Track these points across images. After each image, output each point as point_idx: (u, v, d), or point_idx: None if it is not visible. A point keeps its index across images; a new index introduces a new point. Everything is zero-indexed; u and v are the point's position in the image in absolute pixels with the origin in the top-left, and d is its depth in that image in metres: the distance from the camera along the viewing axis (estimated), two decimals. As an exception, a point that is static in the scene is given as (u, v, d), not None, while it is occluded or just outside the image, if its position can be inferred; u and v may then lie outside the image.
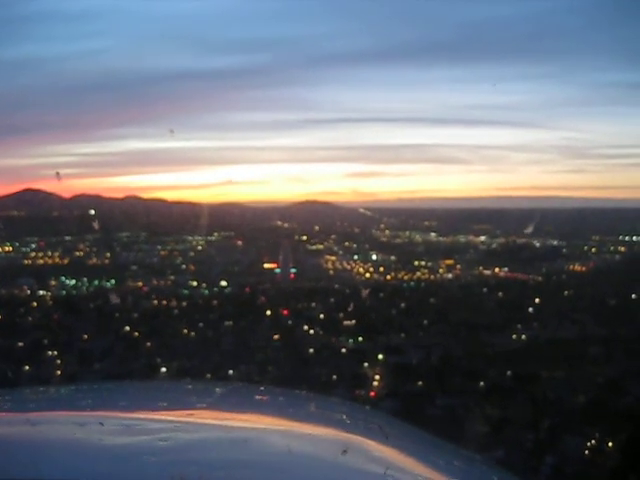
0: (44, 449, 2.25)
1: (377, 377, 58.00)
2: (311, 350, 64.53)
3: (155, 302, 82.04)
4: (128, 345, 66.10)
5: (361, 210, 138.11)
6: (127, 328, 71.87)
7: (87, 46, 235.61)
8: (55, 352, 64.20)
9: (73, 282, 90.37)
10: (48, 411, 2.99)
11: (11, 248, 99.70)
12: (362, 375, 58.24)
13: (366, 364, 61.19)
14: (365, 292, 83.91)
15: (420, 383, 56.04)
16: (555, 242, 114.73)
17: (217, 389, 3.85)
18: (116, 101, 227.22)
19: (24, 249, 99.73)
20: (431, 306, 79.16)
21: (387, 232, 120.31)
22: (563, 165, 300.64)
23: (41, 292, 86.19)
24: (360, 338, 68.57)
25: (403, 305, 79.41)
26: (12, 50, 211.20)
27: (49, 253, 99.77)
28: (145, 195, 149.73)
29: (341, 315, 75.97)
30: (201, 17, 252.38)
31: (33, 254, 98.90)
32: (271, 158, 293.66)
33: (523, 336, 68.99)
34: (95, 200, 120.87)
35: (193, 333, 70.60)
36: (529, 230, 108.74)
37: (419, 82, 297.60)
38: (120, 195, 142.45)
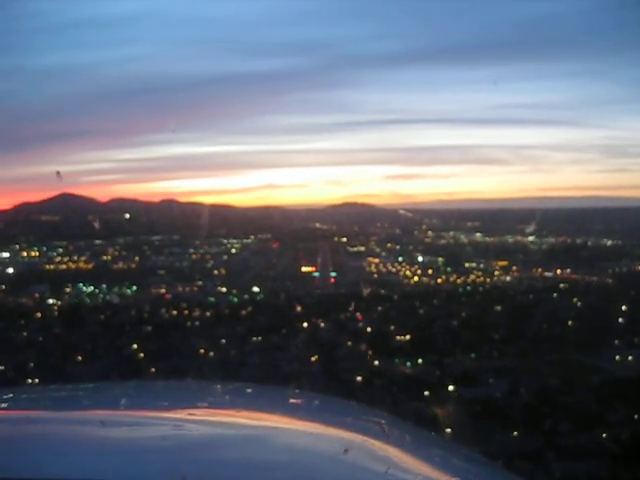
0: (45, 448, 1.99)
1: (452, 421, 36.38)
2: (359, 378, 43.23)
3: (175, 312, 61.65)
4: (129, 370, 45.32)
5: (401, 211, 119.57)
6: (134, 346, 51.41)
7: (125, 52, 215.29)
8: (36, 380, 43.93)
9: (90, 289, 71.26)
10: (49, 410, 2.63)
11: (37, 253, 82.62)
12: (430, 417, 36.47)
13: (433, 399, 39.79)
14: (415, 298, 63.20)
15: (516, 433, 34.46)
16: (609, 242, 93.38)
17: (219, 388, 3.34)
18: (154, 107, 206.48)
19: (50, 253, 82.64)
20: (499, 316, 57.49)
21: (430, 233, 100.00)
22: (605, 164, 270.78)
23: (51, 300, 67.36)
24: (419, 360, 47.15)
25: (464, 314, 57.85)
26: (51, 58, 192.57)
27: (75, 257, 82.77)
28: (183, 199, 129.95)
29: (392, 328, 54.65)
30: (238, 21, 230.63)
31: (58, 259, 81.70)
32: (310, 161, 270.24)
33: (630, 357, 46.99)
34: (131, 204, 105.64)
35: (212, 353, 49.88)
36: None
37: (458, 83, 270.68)
38: (156, 199, 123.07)
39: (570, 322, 55.33)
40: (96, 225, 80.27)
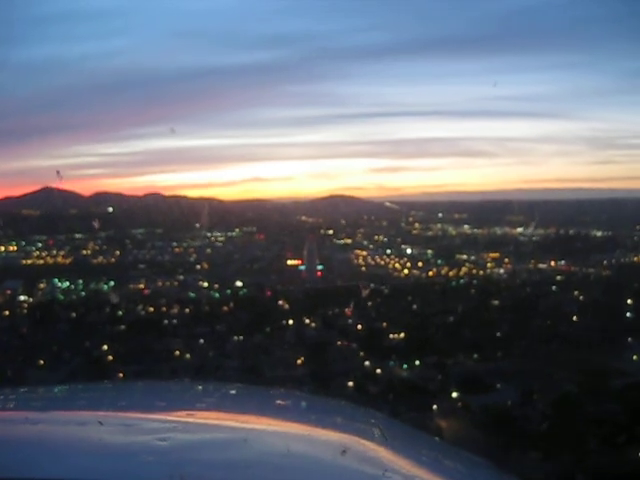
0: (43, 448, 1.94)
1: (459, 436, 29.71)
2: (350, 383, 36.72)
3: (152, 309, 54.86)
4: (95, 374, 38.45)
5: (387, 204, 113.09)
6: (104, 347, 44.80)
7: (109, 45, 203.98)
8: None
9: (66, 285, 64.30)
10: (47, 410, 2.53)
11: (15, 247, 75.66)
12: (434, 431, 29.77)
13: (435, 409, 33.29)
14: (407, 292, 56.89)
15: (537, 453, 27.96)
16: (599, 233, 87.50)
17: (217, 389, 3.20)
18: (140, 100, 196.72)
19: (29, 248, 75.67)
20: (498, 311, 51.14)
21: (417, 225, 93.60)
22: (591, 156, 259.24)
23: (23, 297, 60.23)
24: (417, 361, 40.66)
25: (461, 310, 51.33)
26: (34, 50, 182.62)
27: (54, 252, 76.04)
28: (168, 193, 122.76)
29: (384, 325, 48.20)
30: (224, 13, 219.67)
31: (36, 253, 74.95)
32: (296, 154, 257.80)
33: (649, 357, 40.67)
34: (114, 198, 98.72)
35: (189, 355, 43.27)
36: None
37: (444, 75, 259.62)
38: (141, 193, 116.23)
39: (575, 317, 49.10)
40: (96, 225, 74.22)
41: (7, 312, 55.28)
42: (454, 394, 34.71)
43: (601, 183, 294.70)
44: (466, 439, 28.63)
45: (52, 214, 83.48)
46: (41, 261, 73.67)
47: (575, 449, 27.01)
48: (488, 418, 30.56)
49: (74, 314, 53.97)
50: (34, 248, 75.52)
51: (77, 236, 78.29)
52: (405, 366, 40.13)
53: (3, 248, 75.67)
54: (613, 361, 39.12)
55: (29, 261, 73.60)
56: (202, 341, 45.53)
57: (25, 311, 56.02)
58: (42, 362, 42.09)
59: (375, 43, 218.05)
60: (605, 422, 29.10)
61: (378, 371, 39.12)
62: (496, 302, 53.49)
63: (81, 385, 3.53)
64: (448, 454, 2.53)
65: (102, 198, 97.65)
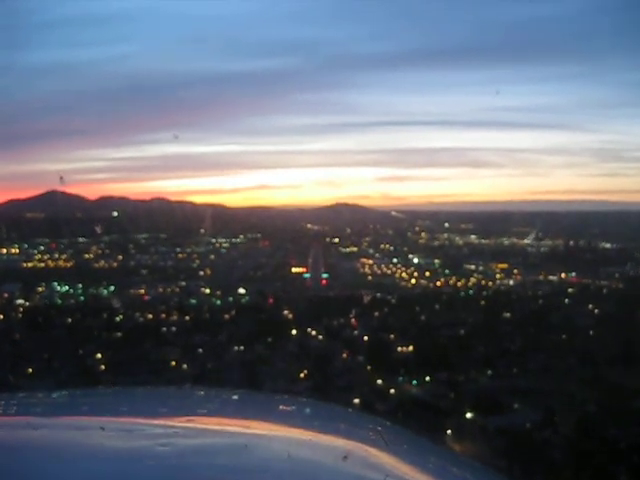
0: (45, 453, 1.91)
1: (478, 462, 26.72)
2: (356, 400, 33.51)
3: (151, 316, 51.80)
4: (84, 386, 35.27)
5: (393, 213, 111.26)
6: (98, 356, 41.77)
7: (117, 50, 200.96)
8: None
9: (65, 289, 61.56)
10: (49, 415, 2.46)
11: (17, 250, 73.33)
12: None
13: (449, 431, 30.06)
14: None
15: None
16: (608, 245, 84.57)
17: (218, 395, 3.09)
18: (147, 106, 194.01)
19: (31, 251, 73.52)
20: (511, 324, 47.95)
21: (423, 235, 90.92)
22: (598, 168, 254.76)
23: (20, 301, 57.32)
24: (427, 377, 37.45)
25: (470, 321, 48.19)
26: (41, 55, 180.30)
27: (56, 255, 73.18)
28: (174, 198, 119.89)
29: (392, 336, 45.04)
30: (233, 20, 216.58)
31: (38, 256, 72.69)
32: (303, 162, 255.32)
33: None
34: (120, 202, 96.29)
35: (186, 365, 40.14)
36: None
37: (452, 85, 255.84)
38: (147, 198, 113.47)
39: (591, 331, 45.92)
40: (99, 229, 74.40)
41: (1, 316, 52.56)
42: (468, 414, 31.58)
43: (608, 195, 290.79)
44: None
45: (56, 217, 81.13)
46: (42, 264, 71.32)
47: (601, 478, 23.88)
48: (506, 442, 27.42)
49: (70, 319, 51.29)
50: (36, 251, 73.33)
51: (80, 240, 76.04)
52: (415, 382, 36.98)
53: (5, 250, 73.03)
54: (633, 378, 35.90)
55: (30, 264, 71.36)
56: (201, 351, 42.52)
57: (20, 315, 53.34)
58: (30, 370, 39.18)
59: (383, 52, 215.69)
60: (632, 448, 25.94)
61: (386, 387, 36.00)
62: (508, 314, 50.36)
63: (82, 390, 3.43)
64: (452, 461, 2.44)
65: (107, 202, 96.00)
